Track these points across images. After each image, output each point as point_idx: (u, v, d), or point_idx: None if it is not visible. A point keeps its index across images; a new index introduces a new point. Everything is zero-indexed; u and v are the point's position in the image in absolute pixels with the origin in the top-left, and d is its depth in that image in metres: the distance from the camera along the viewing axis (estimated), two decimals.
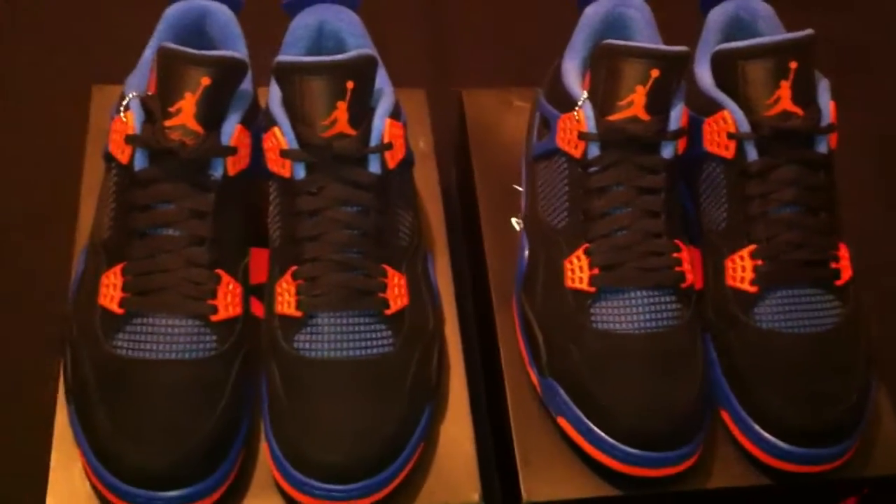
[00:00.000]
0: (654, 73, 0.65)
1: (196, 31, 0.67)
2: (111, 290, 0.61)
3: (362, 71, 0.63)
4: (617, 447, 0.63)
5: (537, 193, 0.71)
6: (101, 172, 0.67)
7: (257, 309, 0.66)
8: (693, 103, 0.70)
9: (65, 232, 0.71)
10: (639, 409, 0.63)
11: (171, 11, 0.67)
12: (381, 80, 0.67)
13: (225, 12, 0.68)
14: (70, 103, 0.80)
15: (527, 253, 0.71)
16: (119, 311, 0.61)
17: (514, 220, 0.76)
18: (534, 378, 0.68)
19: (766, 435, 0.64)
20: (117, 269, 0.62)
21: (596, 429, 0.63)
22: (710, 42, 0.72)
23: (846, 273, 0.67)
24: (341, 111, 0.62)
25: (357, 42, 0.68)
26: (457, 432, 0.66)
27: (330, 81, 0.62)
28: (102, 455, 0.59)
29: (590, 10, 0.71)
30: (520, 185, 0.77)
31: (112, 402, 0.60)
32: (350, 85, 0.62)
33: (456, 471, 0.65)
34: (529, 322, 0.68)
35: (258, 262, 0.67)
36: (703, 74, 0.70)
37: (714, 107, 0.68)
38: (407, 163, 0.68)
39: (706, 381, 0.66)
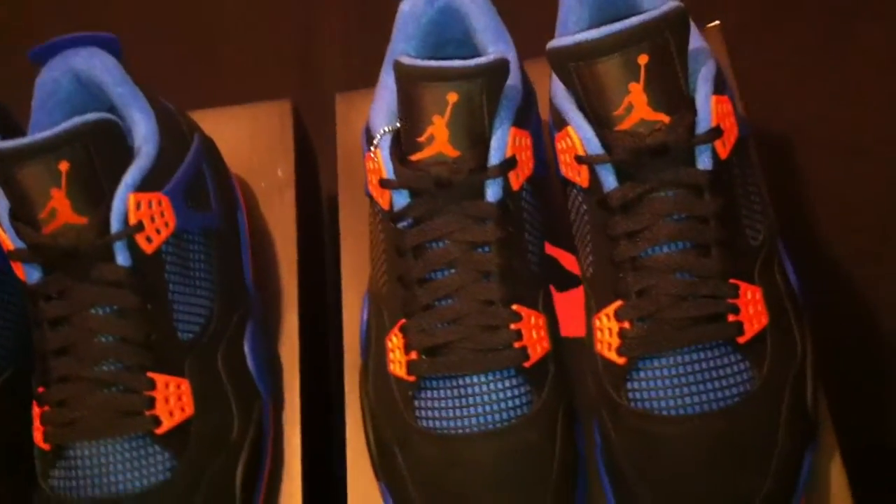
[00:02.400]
0: (452, 97, 0.49)
1: None
2: None
3: (82, 145, 0.50)
4: None
5: (369, 243, 0.57)
6: None
7: None
8: (551, 111, 0.55)
9: None
10: None
11: None
12: (145, 132, 0.54)
13: None
14: None
15: (365, 317, 0.57)
16: None
17: None
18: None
19: None
20: None
21: None
22: (569, 26, 0.55)
23: (755, 323, 0.50)
24: (58, 200, 0.50)
25: (120, 91, 0.55)
26: None
27: (37, 167, 0.50)
28: None
29: (405, 6, 0.55)
30: None
31: None
32: (64, 167, 0.50)
33: None
34: (364, 410, 0.55)
35: None
36: (556, 77, 0.53)
37: (561, 120, 0.52)
38: (195, 234, 0.55)
39: (567, 482, 0.51)
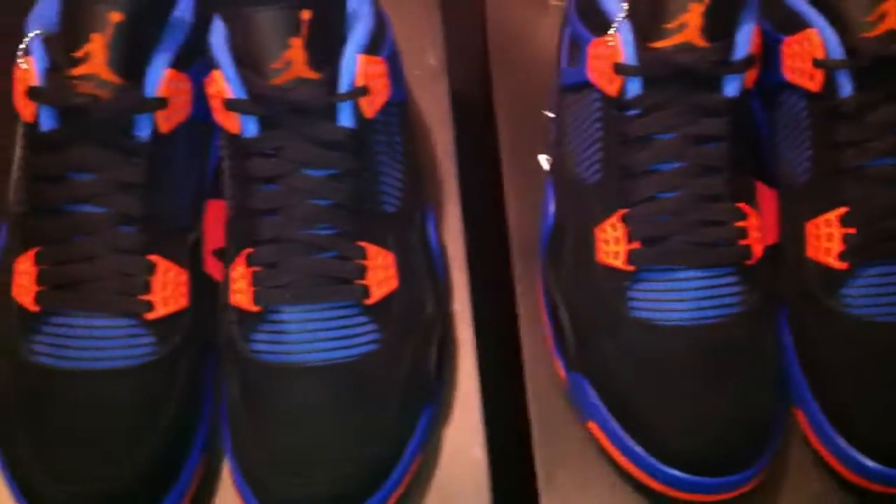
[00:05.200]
0: None
1: None
2: (25, 281, 0.50)
3: None
4: (659, 469, 0.50)
5: (566, 133, 0.56)
6: None
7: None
8: (771, 14, 0.54)
9: None
10: (686, 425, 0.49)
11: None
12: None
13: None
14: None
15: (552, 208, 0.56)
16: (35, 308, 0.49)
17: (542, 158, 0.61)
18: (560, 371, 0.55)
19: (852, 451, 0.50)
20: (31, 254, 0.50)
21: (633, 444, 0.51)
22: None
23: None
24: (296, 50, 0.48)
25: None
26: (464, 440, 0.54)
27: (279, 13, 0.47)
28: (25, 489, 0.49)
29: None
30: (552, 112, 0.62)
31: (32, 422, 0.49)
32: (306, 15, 0.47)
33: (463, 486, 0.53)
34: (554, 300, 0.55)
35: (220, 217, 0.54)
36: None
37: (798, 23, 0.52)
38: (393, 105, 0.53)
39: (778, 383, 0.52)
